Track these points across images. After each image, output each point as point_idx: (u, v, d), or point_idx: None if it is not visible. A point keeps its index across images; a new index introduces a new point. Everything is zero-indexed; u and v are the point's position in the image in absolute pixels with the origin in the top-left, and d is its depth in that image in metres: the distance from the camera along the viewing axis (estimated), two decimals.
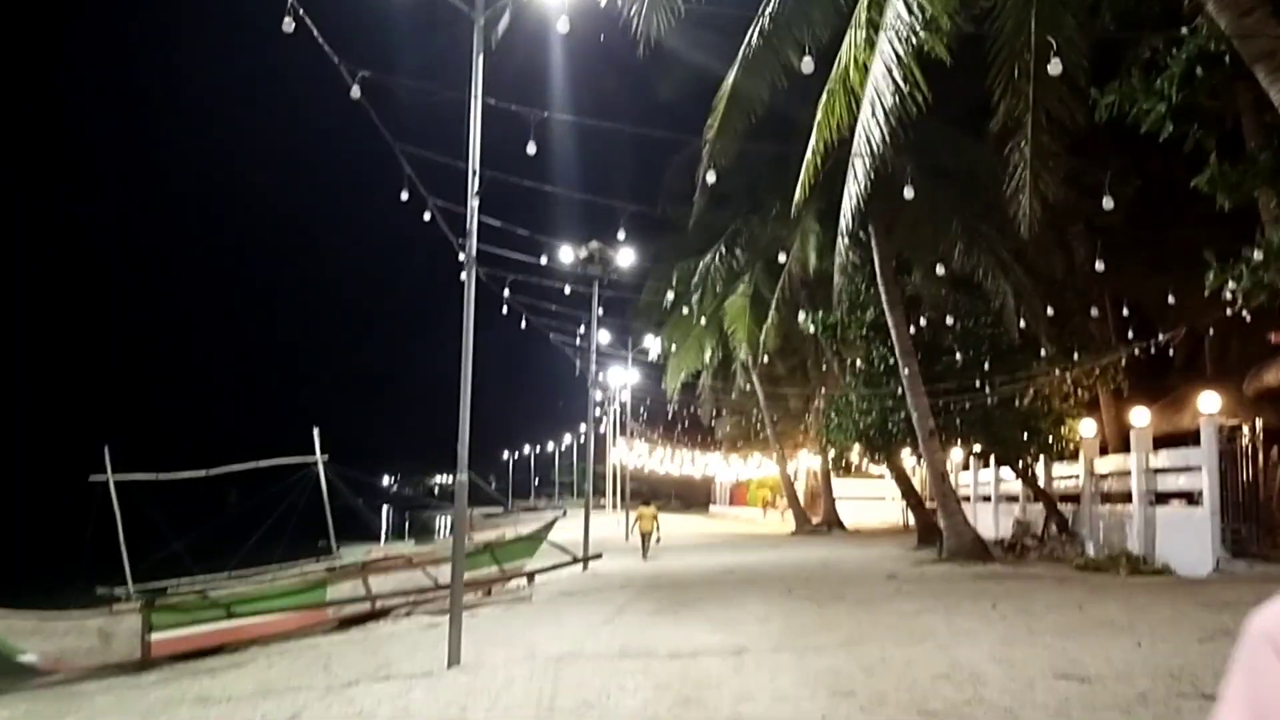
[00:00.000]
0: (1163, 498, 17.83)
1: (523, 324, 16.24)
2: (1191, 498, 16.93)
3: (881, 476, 40.18)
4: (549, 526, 19.22)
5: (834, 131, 10.60)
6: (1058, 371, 20.55)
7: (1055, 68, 8.74)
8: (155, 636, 13.27)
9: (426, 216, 9.94)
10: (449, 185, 10.21)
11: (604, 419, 59.94)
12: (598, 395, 51.08)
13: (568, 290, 20.21)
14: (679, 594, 15.44)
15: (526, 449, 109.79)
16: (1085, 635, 9.71)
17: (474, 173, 8.80)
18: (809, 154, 11.17)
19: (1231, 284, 10.47)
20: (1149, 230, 21.04)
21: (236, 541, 15.36)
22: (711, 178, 13.63)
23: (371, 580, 15.55)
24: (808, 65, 9.27)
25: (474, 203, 9.10)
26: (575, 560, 18.26)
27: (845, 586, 15.55)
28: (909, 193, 11.30)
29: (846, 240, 15.15)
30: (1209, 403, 15.84)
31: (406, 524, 60.23)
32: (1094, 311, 19.99)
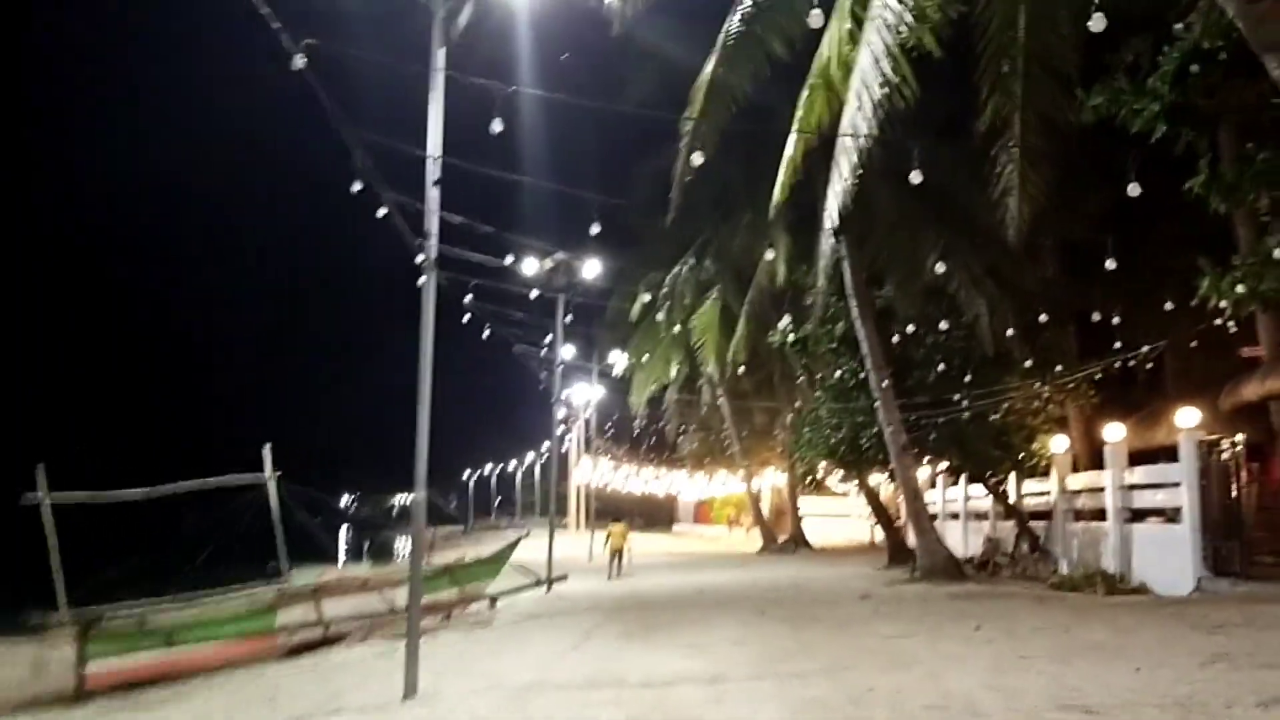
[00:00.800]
0: (1139, 515, 17.52)
1: (485, 334, 15.45)
2: (1168, 515, 16.64)
3: (846, 494, 39.82)
4: (512, 547, 18.53)
5: (814, 129, 10.13)
6: (1034, 386, 20.21)
7: (1098, 24, 8.24)
8: (91, 667, 12.44)
9: (381, 212, 9.27)
10: (407, 180, 9.64)
11: (568, 436, 59.30)
12: (562, 412, 50.45)
13: (533, 295, 19.52)
14: (648, 616, 14.84)
15: (489, 467, 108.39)
16: (1078, 660, 9.23)
17: (433, 159, 8.19)
18: (788, 151, 10.70)
19: (1241, 287, 10.08)
20: (1116, 245, 20.83)
21: (185, 565, 14.56)
22: (698, 159, 13.01)
23: (325, 604, 14.78)
24: (815, 19, 8.73)
25: (434, 192, 8.48)
26: (539, 582, 17.59)
27: (819, 607, 15.03)
28: (916, 177, 10.76)
29: (832, 240, 14.61)
30: (1188, 417, 15.52)
31: (365, 545, 58.96)
32: (1101, 315, 19.45)
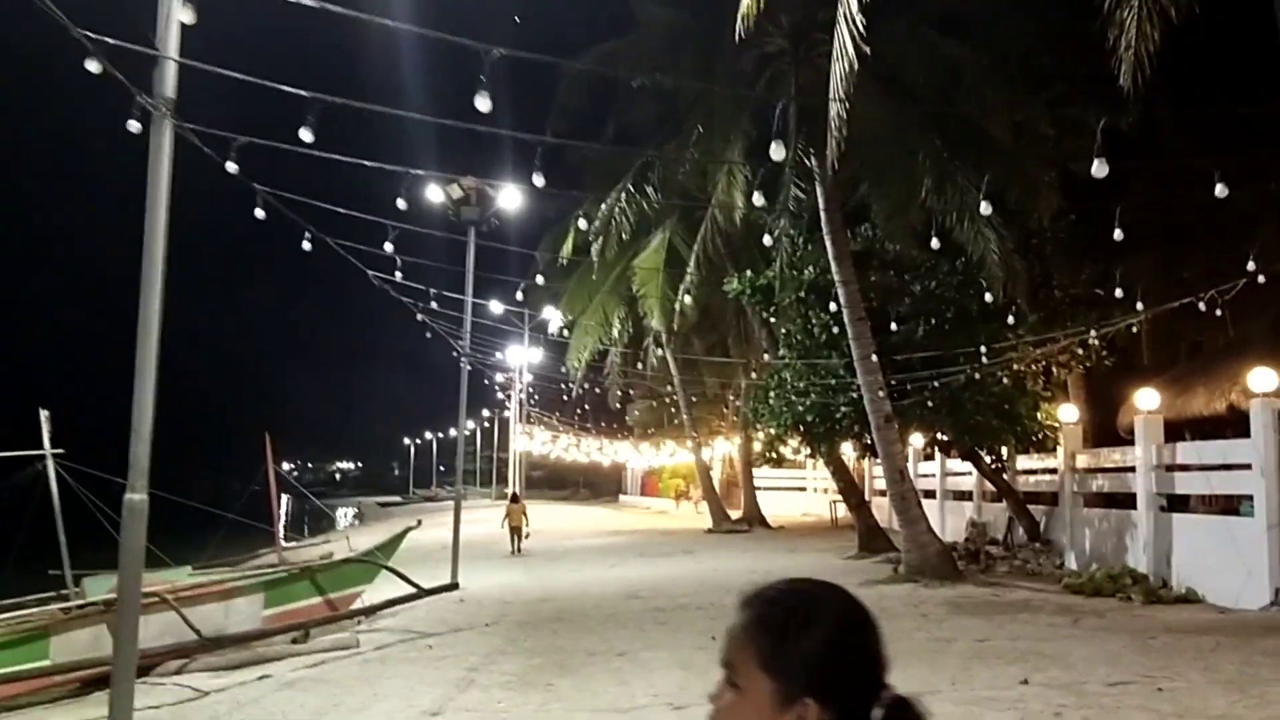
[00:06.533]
0: (1175, 502, 14.24)
1: (306, 245, 11.20)
2: (1225, 503, 13.39)
3: (802, 465, 36.39)
4: (399, 539, 14.63)
5: None
6: (1051, 343, 16.64)
7: None
8: None
9: None
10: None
11: (506, 402, 55.43)
12: (498, 376, 46.54)
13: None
14: (561, 640, 11.14)
15: (428, 434, 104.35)
16: None
17: None
18: None
19: None
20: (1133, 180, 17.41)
21: None
22: None
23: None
24: None
25: None
26: (419, 594, 13.30)
27: None
28: None
29: (846, 82, 10.76)
30: (1264, 380, 12.09)
31: (306, 515, 54.96)
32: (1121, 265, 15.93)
